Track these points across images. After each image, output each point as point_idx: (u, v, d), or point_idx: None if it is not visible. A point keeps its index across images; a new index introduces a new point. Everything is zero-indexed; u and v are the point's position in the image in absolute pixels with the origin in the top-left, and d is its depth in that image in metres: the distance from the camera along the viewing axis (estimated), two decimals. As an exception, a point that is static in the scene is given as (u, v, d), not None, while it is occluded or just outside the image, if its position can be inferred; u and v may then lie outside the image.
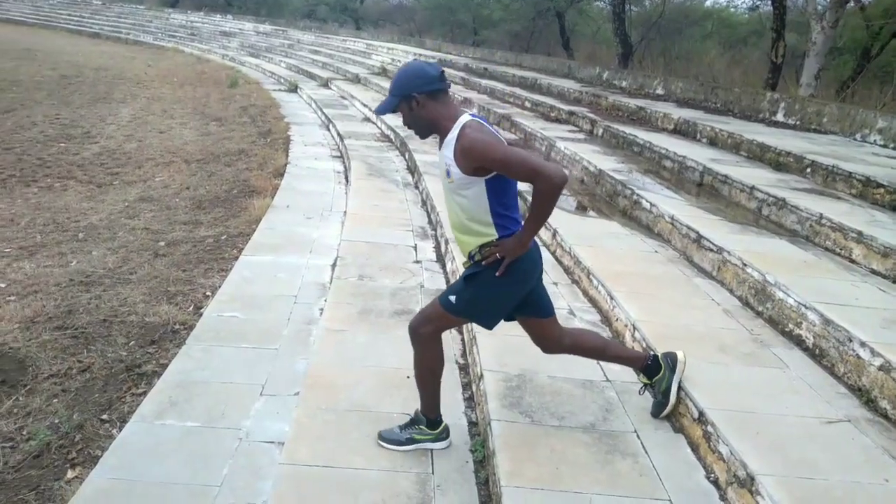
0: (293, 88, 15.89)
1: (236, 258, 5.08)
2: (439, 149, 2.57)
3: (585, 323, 3.83)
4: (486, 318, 2.69)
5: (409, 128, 2.57)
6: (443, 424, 2.84)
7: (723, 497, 2.45)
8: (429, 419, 2.81)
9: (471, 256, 2.61)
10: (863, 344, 3.04)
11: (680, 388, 2.90)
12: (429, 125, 2.53)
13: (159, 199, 7.05)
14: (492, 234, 2.53)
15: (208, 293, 4.55)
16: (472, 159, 2.40)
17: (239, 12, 37.63)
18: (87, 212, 6.43)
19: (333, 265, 4.87)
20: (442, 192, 2.66)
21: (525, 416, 2.85)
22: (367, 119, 11.85)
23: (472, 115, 2.50)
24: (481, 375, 3.16)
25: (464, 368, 3.54)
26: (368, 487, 2.53)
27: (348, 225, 5.69)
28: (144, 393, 3.27)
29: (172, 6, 39.55)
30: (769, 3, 13.54)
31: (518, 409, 2.88)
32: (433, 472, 2.65)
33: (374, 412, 2.99)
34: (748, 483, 2.34)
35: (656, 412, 2.92)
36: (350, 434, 2.83)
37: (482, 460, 2.75)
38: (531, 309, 2.74)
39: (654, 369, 2.90)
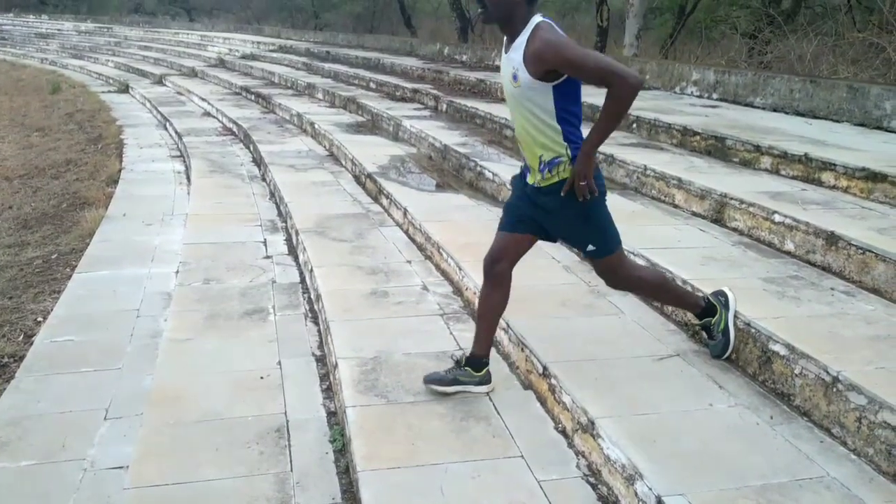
0: (124, 88, 14.89)
1: (70, 277, 4.71)
2: (505, 52, 2.54)
3: (438, 296, 3.89)
4: (617, 237, 2.74)
5: (483, 7, 2.52)
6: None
7: (570, 445, 2.59)
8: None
9: (541, 170, 2.59)
10: (684, 282, 3.30)
11: (524, 345, 3.02)
12: (508, 19, 2.50)
13: (-24, 223, 6.41)
14: (559, 142, 2.53)
15: (39, 319, 4.20)
16: (544, 62, 2.39)
17: (55, 11, 34.75)
18: None
19: (178, 272, 4.64)
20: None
21: (381, 397, 2.86)
22: (206, 114, 11.32)
23: (544, 17, 2.48)
24: (336, 364, 3.13)
25: (321, 360, 3.50)
26: (224, 497, 2.45)
27: (191, 227, 5.44)
28: (-30, 439, 2.99)
29: (-25, 9, 35.85)
30: (592, -31, 14.18)
31: (374, 392, 2.89)
32: (292, 470, 2.61)
33: (226, 419, 2.89)
34: (590, 428, 2.49)
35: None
36: (200, 446, 2.71)
37: (342, 449, 2.73)
38: None
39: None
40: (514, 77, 2.51)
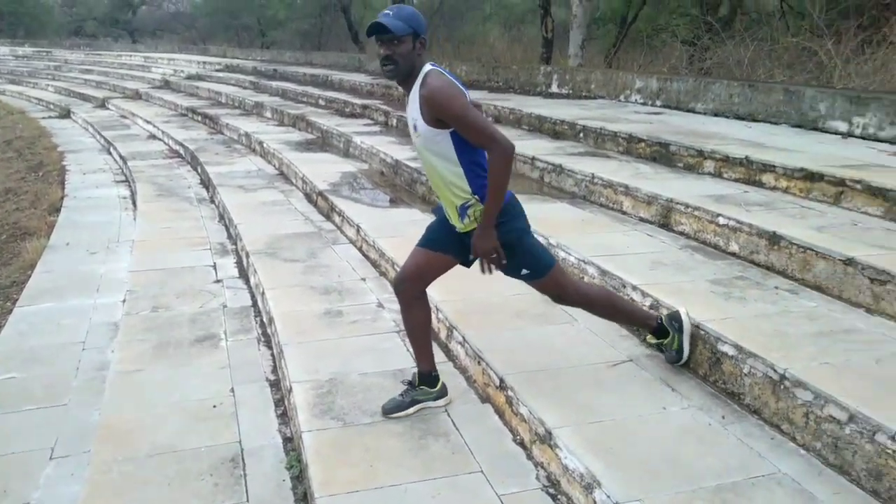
0: (65, 114, 14.53)
1: (10, 311, 4.55)
2: (406, 103, 2.55)
3: (394, 313, 3.86)
4: (547, 258, 2.76)
5: (388, 65, 2.45)
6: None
7: (529, 456, 2.58)
8: None
9: (459, 215, 2.61)
10: (634, 287, 3.34)
11: (481, 358, 3.02)
12: (409, 70, 2.47)
13: None
14: (465, 187, 2.53)
15: (-21, 357, 4.03)
16: (433, 109, 2.39)
17: (-10, 36, 33.72)
18: None
19: (125, 301, 4.51)
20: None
21: (337, 420, 2.82)
22: (152, 137, 11.11)
23: (433, 65, 2.50)
24: (290, 388, 3.08)
25: (275, 385, 3.43)
26: (177, 532, 2.38)
27: (138, 254, 5.31)
28: None
29: None
30: (534, -19, 14.39)
31: (330, 416, 2.85)
32: (248, 500, 2.55)
33: (179, 451, 2.81)
34: (547, 438, 2.49)
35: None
36: (152, 481, 2.63)
37: (299, 475, 2.68)
38: None
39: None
40: (415, 128, 2.54)
